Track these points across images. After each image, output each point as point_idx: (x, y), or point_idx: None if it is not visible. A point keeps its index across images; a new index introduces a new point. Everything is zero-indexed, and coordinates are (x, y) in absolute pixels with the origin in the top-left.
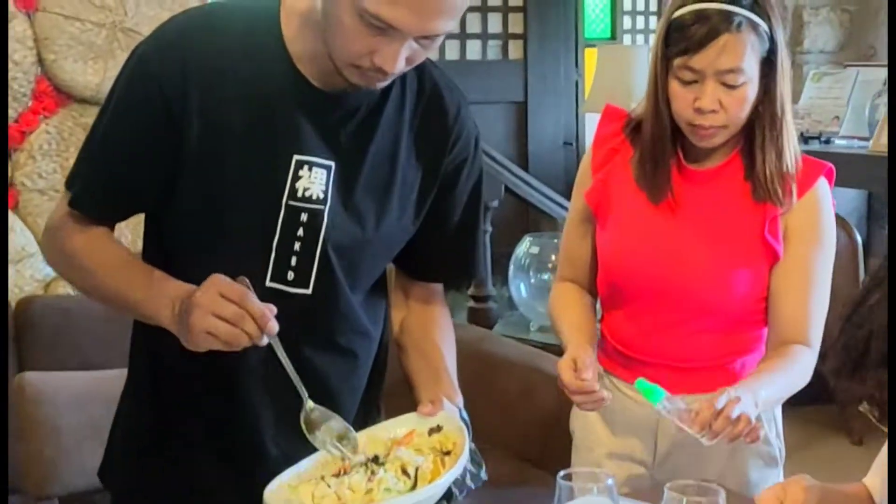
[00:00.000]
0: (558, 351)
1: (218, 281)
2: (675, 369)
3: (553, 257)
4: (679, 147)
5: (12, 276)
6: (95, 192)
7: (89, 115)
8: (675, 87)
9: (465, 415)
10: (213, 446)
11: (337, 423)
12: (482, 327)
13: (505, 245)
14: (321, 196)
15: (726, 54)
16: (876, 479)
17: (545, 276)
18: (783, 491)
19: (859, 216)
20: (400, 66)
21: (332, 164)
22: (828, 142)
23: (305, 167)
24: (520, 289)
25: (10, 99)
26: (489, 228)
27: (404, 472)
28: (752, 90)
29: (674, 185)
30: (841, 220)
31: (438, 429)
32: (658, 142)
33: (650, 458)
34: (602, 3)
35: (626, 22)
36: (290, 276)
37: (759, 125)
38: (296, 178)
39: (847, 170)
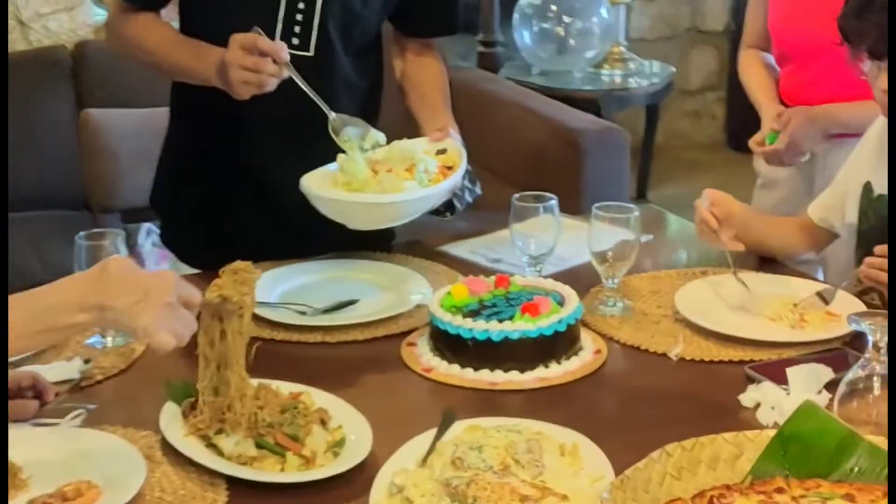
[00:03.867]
0: (554, 94)
1: (237, 37)
2: None
3: (553, 7)
4: None
5: (65, 23)
6: None
7: None
8: None
9: (461, 142)
10: (240, 176)
11: (358, 124)
12: (488, 71)
13: None
14: None
15: None
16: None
17: (546, 25)
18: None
19: None
20: None
21: None
22: None
23: None
24: (523, 36)
25: None
26: None
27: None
28: None
29: None
30: None
31: (444, 151)
32: None
33: None
34: None
35: None
36: (295, 41)
37: None
38: None
39: None
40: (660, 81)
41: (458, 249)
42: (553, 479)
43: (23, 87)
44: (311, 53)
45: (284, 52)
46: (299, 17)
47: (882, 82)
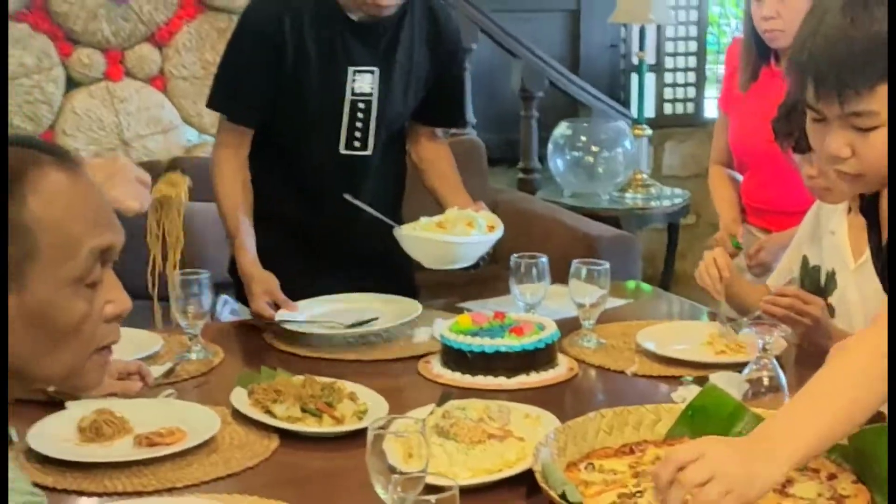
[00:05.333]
0: (583, 212)
1: (262, 282)
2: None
3: (583, 138)
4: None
5: (161, 143)
6: (234, 97)
7: (221, 20)
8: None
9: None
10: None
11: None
12: (528, 192)
13: (549, 129)
14: (370, 91)
15: None
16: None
17: (577, 154)
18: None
19: None
20: (392, 1)
21: (376, 69)
22: None
23: (358, 73)
24: (557, 163)
25: (161, 5)
26: (535, 114)
27: None
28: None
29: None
30: None
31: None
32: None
33: None
34: None
35: None
36: (356, 144)
37: None
38: (352, 81)
39: None
40: (680, 202)
41: (474, 306)
42: (515, 429)
43: None
44: (369, 152)
45: (291, 306)
46: (359, 124)
47: (807, 170)
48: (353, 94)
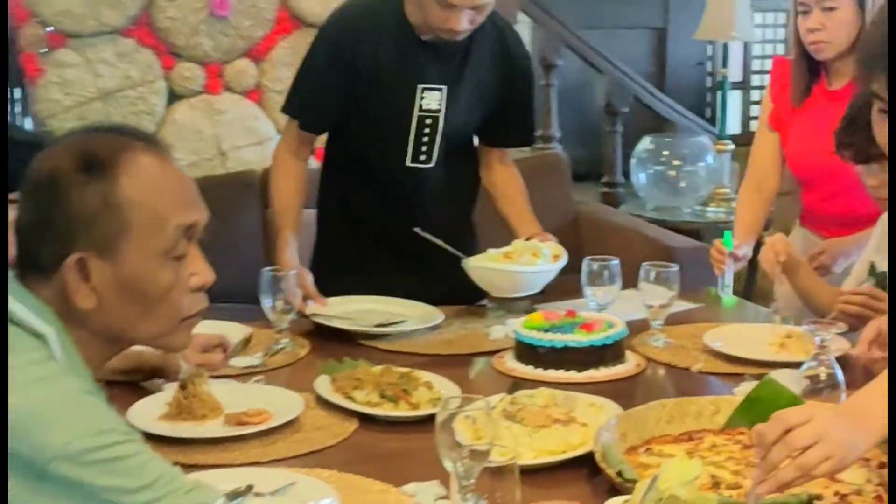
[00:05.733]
0: (665, 225)
1: (294, 271)
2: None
3: (666, 153)
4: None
5: (257, 153)
6: (305, 105)
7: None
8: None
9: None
10: (392, 261)
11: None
12: (611, 205)
13: (634, 145)
14: (437, 107)
15: None
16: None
17: (660, 168)
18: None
19: None
20: (464, 27)
21: (444, 87)
22: None
23: (427, 91)
24: (639, 177)
25: (260, 21)
26: (620, 129)
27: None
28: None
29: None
30: None
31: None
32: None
33: None
34: None
35: None
36: (422, 157)
37: None
38: (421, 98)
39: None
40: None
41: (548, 307)
42: (580, 416)
43: (219, 203)
44: (432, 165)
45: (320, 300)
46: (425, 138)
47: (869, 181)
48: (421, 110)
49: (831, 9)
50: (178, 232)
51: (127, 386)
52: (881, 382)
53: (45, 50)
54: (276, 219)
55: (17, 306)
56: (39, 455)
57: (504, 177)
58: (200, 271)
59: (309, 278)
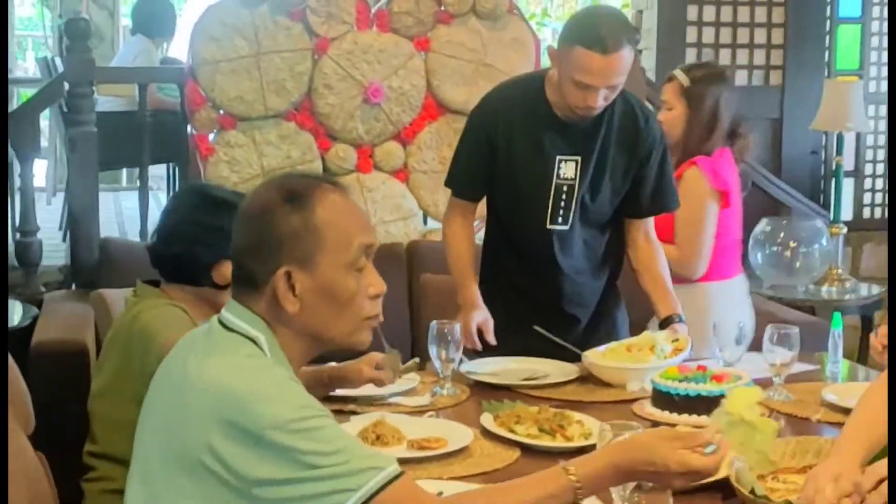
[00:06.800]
0: (782, 301)
1: (475, 317)
2: None
3: (781, 234)
4: None
5: (401, 227)
6: (458, 178)
7: (457, 123)
8: None
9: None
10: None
11: None
12: None
13: (752, 227)
14: (573, 176)
15: None
16: None
17: (775, 248)
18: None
19: None
20: (600, 104)
21: (579, 157)
22: None
23: (563, 161)
24: (757, 257)
25: (408, 107)
26: None
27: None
28: None
29: None
30: None
31: (677, 339)
32: None
33: None
34: (852, 38)
35: (874, 56)
36: (559, 220)
37: None
38: (559, 167)
39: None
40: (875, 296)
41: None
42: None
43: None
44: (567, 227)
45: (492, 338)
46: (562, 203)
47: None
48: (559, 178)
49: None
50: (360, 249)
51: None
52: None
53: (217, 131)
54: (455, 276)
55: (233, 318)
56: (256, 424)
57: (647, 254)
58: (375, 282)
59: (490, 321)
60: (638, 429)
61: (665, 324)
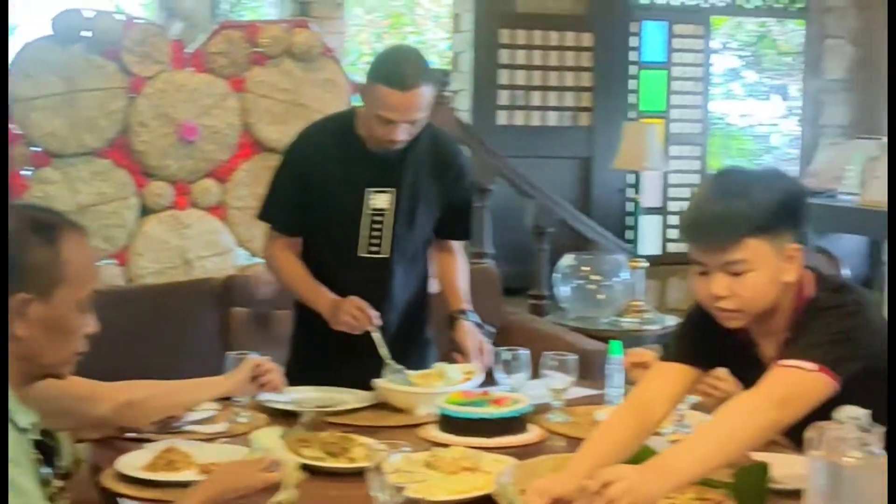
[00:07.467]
0: (585, 332)
1: (355, 299)
2: None
3: (585, 268)
4: None
5: (217, 263)
6: (274, 210)
7: (272, 161)
8: None
9: (476, 319)
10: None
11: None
12: (537, 315)
13: (558, 261)
14: (386, 207)
15: None
16: None
17: (580, 282)
18: None
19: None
20: (402, 137)
21: (393, 189)
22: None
23: (374, 193)
24: (562, 290)
25: (224, 146)
26: (547, 248)
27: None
28: None
29: None
30: None
31: (470, 372)
32: None
33: None
34: (657, 83)
35: (675, 99)
36: (374, 248)
37: None
38: (369, 198)
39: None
40: (671, 326)
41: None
42: (485, 466)
43: (182, 306)
44: (387, 255)
45: (377, 320)
46: (376, 231)
47: None
48: (370, 208)
49: None
50: (91, 291)
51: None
52: (685, 443)
53: (32, 168)
54: (301, 289)
55: None
56: None
57: (446, 263)
58: (93, 323)
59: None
60: (406, 450)
61: (453, 317)
